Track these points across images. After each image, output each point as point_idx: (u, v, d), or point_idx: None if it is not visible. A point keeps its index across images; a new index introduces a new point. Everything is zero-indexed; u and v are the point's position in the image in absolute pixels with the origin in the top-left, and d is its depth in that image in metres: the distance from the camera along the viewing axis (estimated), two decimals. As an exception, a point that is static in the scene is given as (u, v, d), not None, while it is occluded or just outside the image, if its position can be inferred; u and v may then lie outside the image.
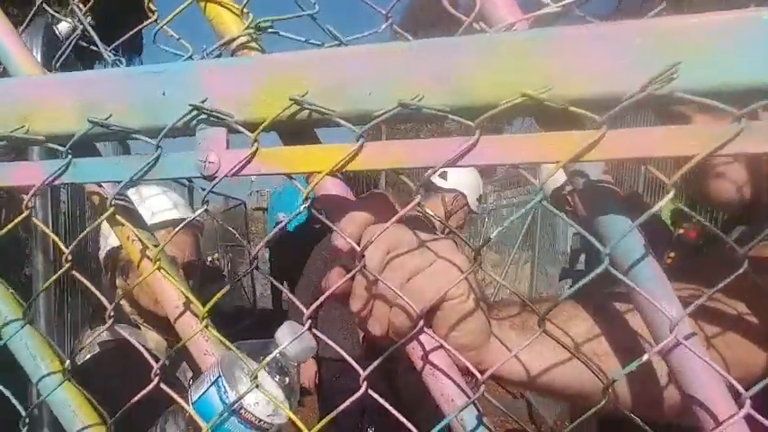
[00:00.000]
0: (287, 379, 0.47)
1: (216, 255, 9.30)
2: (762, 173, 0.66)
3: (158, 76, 0.43)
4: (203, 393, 0.48)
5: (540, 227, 5.86)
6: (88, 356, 1.14)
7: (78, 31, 0.57)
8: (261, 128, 0.40)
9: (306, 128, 0.44)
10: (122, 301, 1.23)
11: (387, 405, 0.42)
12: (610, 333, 0.49)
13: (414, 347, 0.43)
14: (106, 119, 0.43)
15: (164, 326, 1.21)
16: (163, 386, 0.45)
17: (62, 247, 0.49)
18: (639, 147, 0.33)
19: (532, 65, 0.35)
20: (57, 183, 0.46)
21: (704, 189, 0.70)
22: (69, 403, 0.50)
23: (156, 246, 0.54)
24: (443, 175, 2.31)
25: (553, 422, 3.83)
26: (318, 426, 0.41)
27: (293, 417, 0.44)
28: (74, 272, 0.48)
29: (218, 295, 0.44)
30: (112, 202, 0.47)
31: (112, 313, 0.46)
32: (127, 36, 0.59)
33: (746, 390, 0.34)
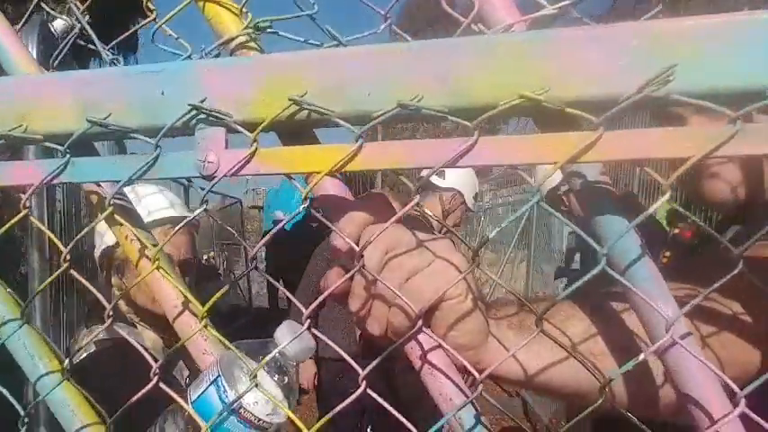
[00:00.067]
0: (286, 378, 0.48)
1: (212, 253, 9.28)
2: (756, 173, 0.67)
3: (157, 76, 0.43)
4: (202, 393, 0.48)
5: (535, 226, 5.88)
6: (84, 355, 1.14)
7: (77, 30, 0.57)
8: (260, 128, 0.40)
9: (305, 128, 0.44)
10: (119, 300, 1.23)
11: (386, 404, 0.42)
12: (606, 332, 0.50)
13: (412, 347, 0.44)
14: (105, 118, 0.43)
15: (160, 325, 1.20)
16: (162, 385, 0.45)
17: (60, 246, 0.49)
18: (636, 148, 0.33)
19: (530, 66, 0.35)
20: (55, 182, 0.46)
21: (699, 189, 0.70)
22: (68, 402, 0.50)
23: (154, 245, 0.54)
24: (441, 175, 2.32)
25: (548, 420, 3.84)
26: (318, 425, 0.41)
27: (292, 416, 0.44)
28: (72, 271, 0.48)
29: (218, 295, 0.44)
30: (111, 202, 0.47)
31: (112, 313, 0.46)
32: (125, 35, 0.59)
33: (741, 389, 0.34)
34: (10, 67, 0.53)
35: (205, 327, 0.48)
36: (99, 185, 0.55)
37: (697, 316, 0.50)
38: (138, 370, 0.51)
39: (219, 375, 0.47)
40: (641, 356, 0.37)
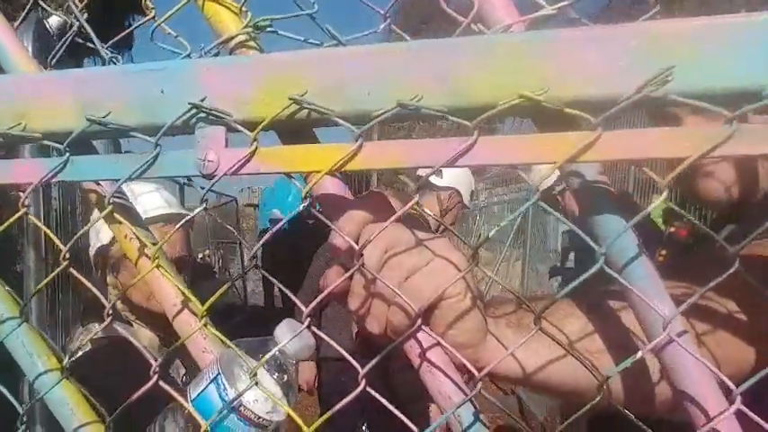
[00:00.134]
0: (285, 376, 0.48)
1: (207, 251, 9.26)
2: (749, 173, 0.67)
3: (156, 74, 0.43)
4: (202, 391, 0.48)
5: (531, 225, 5.90)
6: (80, 353, 1.14)
7: (75, 28, 0.57)
8: (260, 127, 0.40)
9: (304, 127, 0.44)
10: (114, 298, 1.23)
11: (386, 403, 0.42)
12: (604, 331, 0.50)
13: (411, 345, 0.44)
14: (104, 116, 0.43)
15: (156, 322, 1.20)
16: (162, 384, 0.45)
17: (59, 244, 0.49)
18: (635, 148, 0.34)
19: (529, 66, 0.35)
20: (54, 180, 0.46)
21: (694, 188, 0.71)
22: (67, 401, 0.50)
23: (153, 244, 0.54)
24: (439, 173, 2.31)
25: (543, 418, 3.86)
26: (317, 423, 0.41)
27: (292, 414, 0.44)
28: (72, 269, 0.48)
29: (218, 293, 0.45)
30: (111, 200, 0.47)
31: (111, 312, 0.46)
32: (125, 33, 0.59)
33: (737, 386, 0.35)
34: (9, 65, 0.52)
35: (205, 325, 0.48)
36: (98, 184, 0.55)
37: (692, 314, 0.50)
38: (136, 368, 0.51)
39: (219, 373, 0.47)
40: (638, 354, 0.37)
